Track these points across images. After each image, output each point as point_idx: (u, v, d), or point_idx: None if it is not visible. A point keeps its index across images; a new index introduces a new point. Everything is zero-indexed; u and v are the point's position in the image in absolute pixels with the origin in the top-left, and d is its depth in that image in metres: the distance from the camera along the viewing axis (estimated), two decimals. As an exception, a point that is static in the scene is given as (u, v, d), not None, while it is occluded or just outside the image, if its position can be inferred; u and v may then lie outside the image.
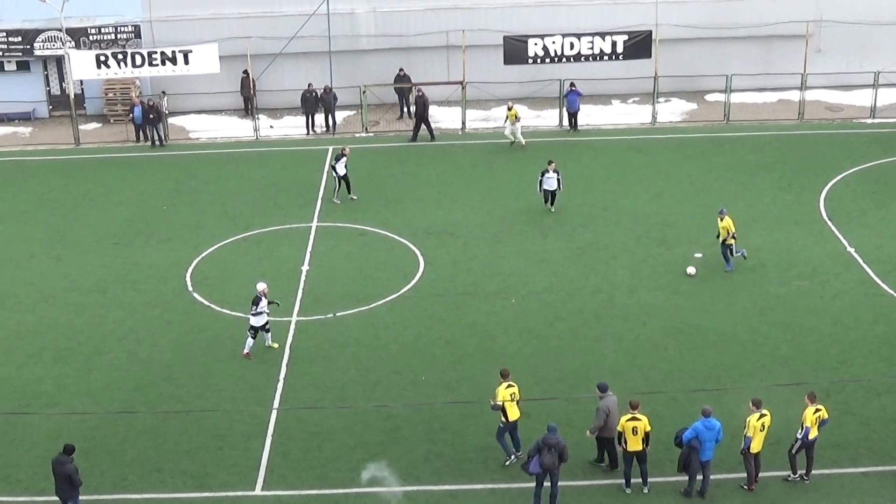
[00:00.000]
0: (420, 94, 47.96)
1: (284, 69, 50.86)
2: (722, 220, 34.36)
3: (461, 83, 49.23)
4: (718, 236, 34.79)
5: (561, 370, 29.48)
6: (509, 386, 25.46)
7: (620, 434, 24.44)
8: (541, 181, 39.02)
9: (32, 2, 47.63)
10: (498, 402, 25.28)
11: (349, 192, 41.61)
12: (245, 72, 50.90)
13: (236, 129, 50.86)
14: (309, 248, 37.48)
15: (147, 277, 35.95)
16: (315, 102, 49.51)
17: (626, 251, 36.36)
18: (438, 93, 50.64)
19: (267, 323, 30.67)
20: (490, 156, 45.90)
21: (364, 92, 48.99)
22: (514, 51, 48.30)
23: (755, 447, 24.19)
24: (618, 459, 25.29)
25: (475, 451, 26.12)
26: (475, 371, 29.54)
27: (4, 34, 51.81)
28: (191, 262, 36.65)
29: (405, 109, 50.83)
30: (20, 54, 52.46)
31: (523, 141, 46.28)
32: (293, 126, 50.59)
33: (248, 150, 48.12)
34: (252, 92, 51.02)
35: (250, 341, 30.55)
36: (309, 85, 49.51)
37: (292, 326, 32.29)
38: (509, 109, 46.39)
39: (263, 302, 30.34)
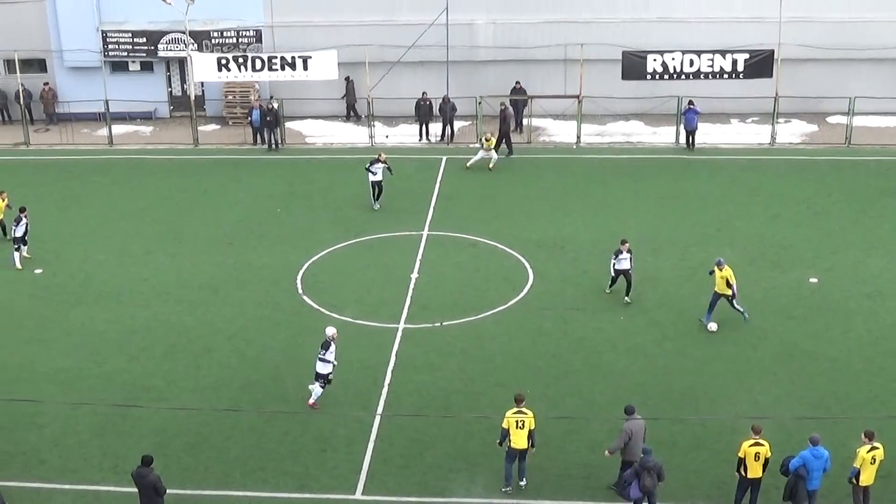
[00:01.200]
0: (504, 107, 48.00)
1: (401, 77, 51.11)
2: (721, 270, 32.11)
3: (577, 97, 49.02)
4: (712, 281, 32.60)
5: (668, 390, 29.09)
6: (518, 412, 24.69)
7: (741, 460, 23.87)
8: (614, 263, 33.83)
9: (158, 4, 48.50)
10: (503, 426, 24.74)
11: (376, 200, 41.98)
12: (347, 78, 51.32)
13: (351, 135, 51.26)
14: (419, 256, 37.56)
15: (258, 278, 36.35)
16: (429, 111, 49.70)
17: (738, 273, 35.52)
18: (555, 106, 50.52)
19: (331, 374, 28.50)
20: (604, 171, 45.63)
21: (480, 103, 49.03)
22: (633, 66, 48.00)
23: (865, 480, 23.57)
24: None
25: (577, 468, 25.85)
26: (581, 387, 29.30)
27: (130, 35, 52.88)
28: (302, 265, 36.94)
29: (520, 121, 50.76)
30: (144, 55, 53.52)
31: (468, 164, 46.00)
32: (407, 134, 50.81)
33: (362, 156, 48.26)
34: (355, 98, 51.68)
35: (318, 390, 28.57)
36: (423, 93, 49.70)
37: (399, 333, 32.34)
38: (486, 140, 46.05)
39: (333, 348, 28.33)
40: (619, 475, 24.76)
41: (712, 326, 32.23)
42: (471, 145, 48.87)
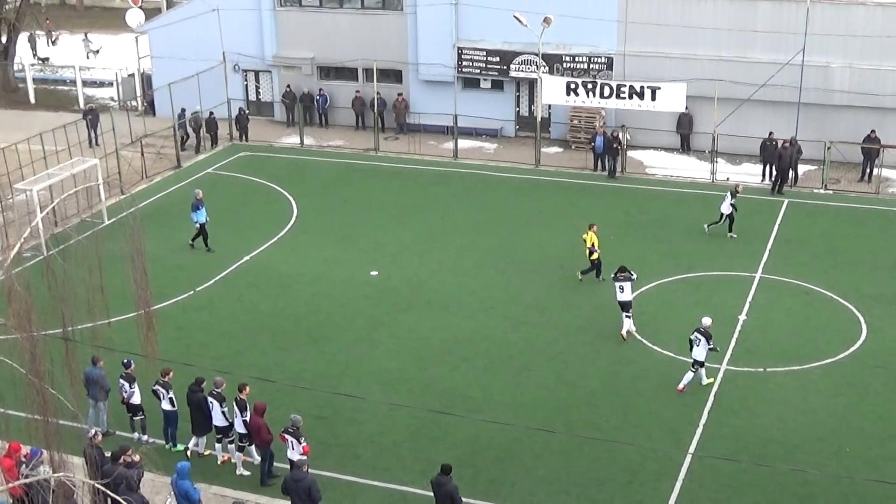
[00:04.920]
0: (784, 143, 47.13)
1: (749, 115, 50.19)
2: None
3: (936, 150, 46.79)
4: None
5: None
6: None
7: None
8: None
9: (514, 25, 49.60)
10: None
11: (729, 230, 42.02)
12: (686, 108, 50.73)
13: (692, 169, 50.68)
14: (749, 299, 36.74)
15: (584, 303, 36.50)
16: (773, 152, 48.56)
17: None
18: (907, 157, 48.52)
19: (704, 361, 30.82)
20: (956, 230, 43.35)
21: (829, 148, 47.55)
22: None
23: None
24: None
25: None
26: (905, 453, 27.99)
27: (484, 53, 54.24)
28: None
29: (869, 171, 48.81)
30: (496, 74, 54.73)
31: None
32: (750, 174, 49.80)
33: (701, 192, 47.81)
34: (689, 130, 51.95)
35: (689, 375, 30.88)
36: (770, 134, 48.64)
37: (720, 375, 31.74)
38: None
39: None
40: None
41: None
42: (814, 191, 47.40)
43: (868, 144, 48.38)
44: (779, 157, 47.25)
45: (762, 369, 31.88)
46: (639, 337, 33.94)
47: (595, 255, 37.71)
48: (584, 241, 37.92)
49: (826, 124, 50.11)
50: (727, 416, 29.65)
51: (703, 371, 30.90)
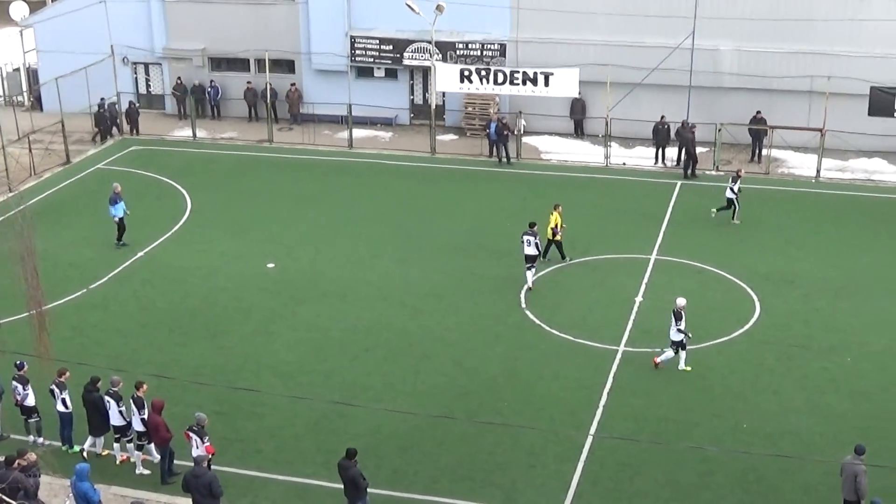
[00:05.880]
0: (692, 127, 47.70)
1: (641, 99, 50.75)
2: None
3: (820, 130, 47.67)
4: None
5: (891, 438, 27.94)
6: None
7: None
8: None
9: (406, 13, 49.55)
10: None
11: (733, 217, 42.16)
12: (579, 93, 51.14)
13: (587, 154, 51.11)
14: (645, 280, 37.17)
15: (483, 289, 36.62)
16: (666, 135, 49.16)
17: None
18: (795, 138, 49.28)
19: (683, 341, 31.15)
20: (843, 207, 44.20)
21: (719, 130, 48.25)
22: (881, 102, 46.40)
23: None
24: None
25: (790, 509, 25.14)
26: (800, 426, 28.47)
27: (377, 42, 54.12)
28: (527, 279, 36.98)
29: (759, 152, 49.66)
30: (390, 62, 54.65)
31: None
32: (643, 157, 50.37)
33: (596, 176, 48.27)
34: (582, 115, 52.54)
35: (669, 354, 31.40)
36: (661, 117, 49.23)
37: (618, 356, 32.08)
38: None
39: (684, 318, 30.97)
40: None
41: None
42: (706, 172, 47.99)
43: (755, 125, 49.22)
44: (689, 142, 47.71)
45: (659, 350, 32.21)
46: (537, 321, 34.15)
47: (558, 237, 37.93)
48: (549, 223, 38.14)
49: (716, 107, 50.89)
50: (626, 396, 29.97)
51: (682, 354, 31.18)
